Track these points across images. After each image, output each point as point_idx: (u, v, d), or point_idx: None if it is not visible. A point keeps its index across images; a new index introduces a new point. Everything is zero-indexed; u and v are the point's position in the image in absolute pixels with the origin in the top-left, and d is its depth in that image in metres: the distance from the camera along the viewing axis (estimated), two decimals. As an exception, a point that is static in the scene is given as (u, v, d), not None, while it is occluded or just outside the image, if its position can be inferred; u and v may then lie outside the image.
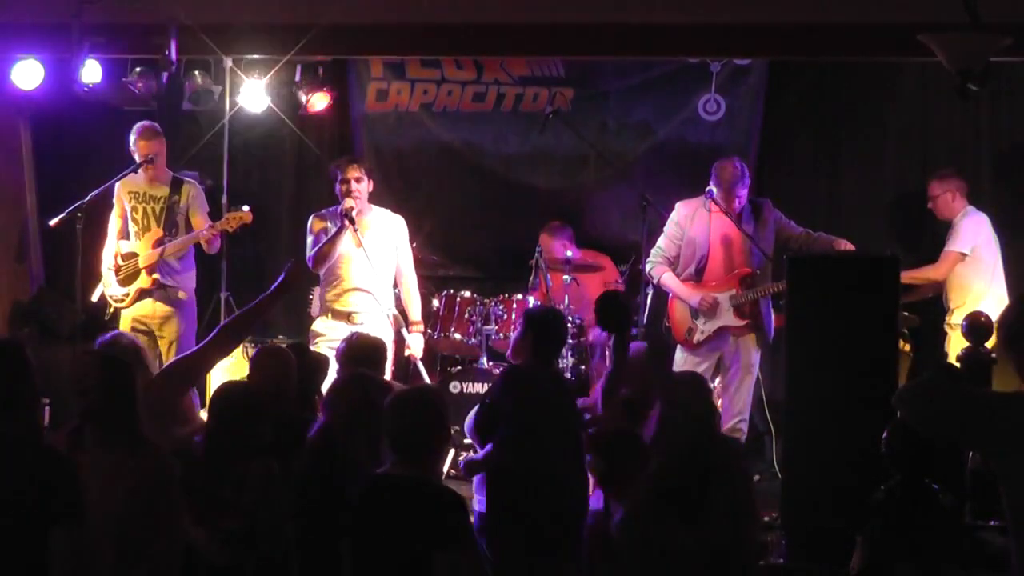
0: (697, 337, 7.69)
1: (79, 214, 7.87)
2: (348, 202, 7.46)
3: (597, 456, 5.05)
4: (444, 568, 4.32)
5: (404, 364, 7.99)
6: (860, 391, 5.87)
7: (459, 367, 8.66)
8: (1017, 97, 8.92)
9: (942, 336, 8.25)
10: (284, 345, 6.45)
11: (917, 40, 5.94)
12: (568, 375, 8.03)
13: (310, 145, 9.49)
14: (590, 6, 7.60)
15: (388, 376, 6.75)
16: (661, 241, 7.84)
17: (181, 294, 8.00)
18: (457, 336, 8.49)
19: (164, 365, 7.52)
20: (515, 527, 5.40)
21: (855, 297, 6.03)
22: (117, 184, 8.05)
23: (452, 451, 7.63)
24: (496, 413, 5.52)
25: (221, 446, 4.74)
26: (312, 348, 6.82)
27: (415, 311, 7.78)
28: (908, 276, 7.71)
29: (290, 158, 9.69)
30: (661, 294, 8.13)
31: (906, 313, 8.07)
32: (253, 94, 8.75)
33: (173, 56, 7.77)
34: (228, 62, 8.73)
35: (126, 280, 7.98)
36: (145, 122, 8.06)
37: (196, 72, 8.71)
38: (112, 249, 8.08)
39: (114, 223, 8.12)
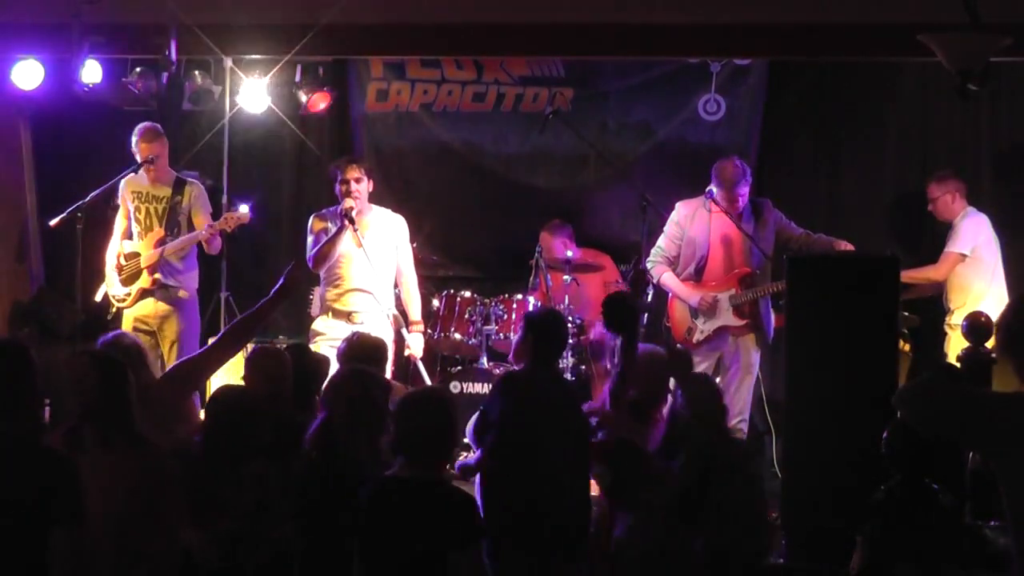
0: (696, 337, 7.70)
1: (79, 214, 7.87)
2: (348, 202, 7.46)
3: (603, 467, 5.03)
4: (460, 568, 4.33)
5: (404, 364, 7.99)
6: (860, 391, 5.86)
7: (459, 367, 8.66)
8: (1017, 97, 8.93)
9: (942, 336, 8.25)
10: (285, 345, 6.45)
11: (917, 40, 5.94)
12: (568, 375, 8.04)
13: (310, 145, 9.50)
14: (590, 6, 7.61)
15: (388, 376, 6.75)
16: (661, 241, 7.84)
17: (182, 293, 8.00)
18: (457, 336, 8.49)
19: (166, 365, 7.57)
20: (508, 530, 5.39)
21: (855, 297, 6.02)
22: (122, 184, 8.07)
23: (451, 451, 7.63)
24: (487, 419, 5.53)
25: (218, 449, 4.73)
26: (312, 347, 6.83)
27: (415, 311, 7.78)
28: (908, 276, 7.71)
29: (290, 158, 9.69)
30: (661, 294, 8.13)
31: (906, 313, 8.07)
32: (253, 94, 8.74)
33: (173, 56, 7.77)
34: (228, 62, 8.73)
35: (128, 280, 8.00)
36: (146, 123, 8.07)
37: (196, 72, 8.71)
38: (115, 249, 8.10)
39: (119, 223, 8.14)
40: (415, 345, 7.70)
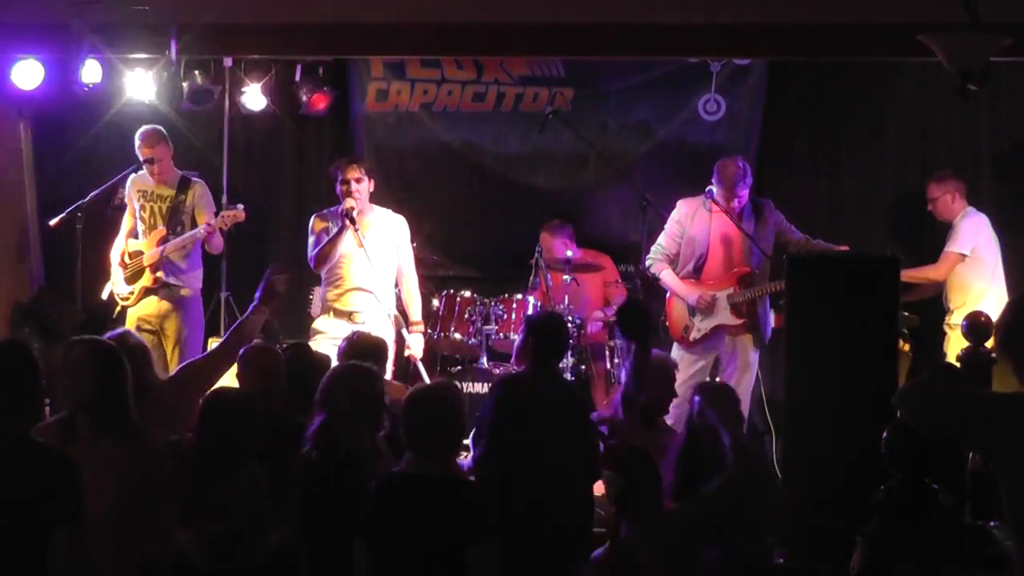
0: (693, 335, 7.70)
1: (79, 214, 7.88)
2: (348, 202, 7.47)
3: (615, 473, 5.01)
4: (478, 560, 4.34)
5: (404, 364, 8.00)
6: (860, 391, 5.86)
7: (459, 367, 8.67)
8: (1017, 97, 8.93)
9: (942, 336, 8.25)
10: (285, 345, 6.44)
11: (917, 40, 5.94)
12: (568, 375, 8.03)
13: (310, 145, 9.49)
14: (590, 6, 7.61)
15: (388, 376, 6.75)
16: (662, 238, 7.85)
17: (184, 291, 8.02)
18: (457, 336, 8.49)
19: (169, 364, 7.59)
20: (508, 530, 5.38)
21: (855, 297, 6.02)
22: (129, 183, 8.12)
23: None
24: (486, 421, 5.54)
25: (211, 451, 4.72)
26: (313, 345, 6.82)
27: (415, 311, 7.78)
28: (908, 276, 7.70)
29: (290, 158, 9.69)
30: (660, 293, 8.13)
31: (906, 313, 8.06)
32: (253, 94, 8.74)
33: (173, 56, 7.78)
34: (228, 62, 8.73)
35: (132, 278, 8.03)
36: (149, 126, 8.10)
37: (196, 72, 8.71)
38: (120, 247, 8.13)
39: (126, 221, 8.18)
40: (415, 345, 7.71)
